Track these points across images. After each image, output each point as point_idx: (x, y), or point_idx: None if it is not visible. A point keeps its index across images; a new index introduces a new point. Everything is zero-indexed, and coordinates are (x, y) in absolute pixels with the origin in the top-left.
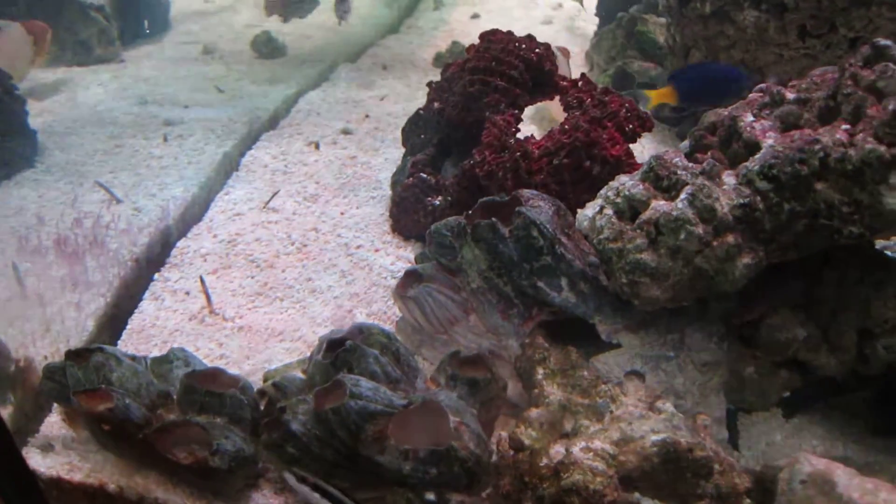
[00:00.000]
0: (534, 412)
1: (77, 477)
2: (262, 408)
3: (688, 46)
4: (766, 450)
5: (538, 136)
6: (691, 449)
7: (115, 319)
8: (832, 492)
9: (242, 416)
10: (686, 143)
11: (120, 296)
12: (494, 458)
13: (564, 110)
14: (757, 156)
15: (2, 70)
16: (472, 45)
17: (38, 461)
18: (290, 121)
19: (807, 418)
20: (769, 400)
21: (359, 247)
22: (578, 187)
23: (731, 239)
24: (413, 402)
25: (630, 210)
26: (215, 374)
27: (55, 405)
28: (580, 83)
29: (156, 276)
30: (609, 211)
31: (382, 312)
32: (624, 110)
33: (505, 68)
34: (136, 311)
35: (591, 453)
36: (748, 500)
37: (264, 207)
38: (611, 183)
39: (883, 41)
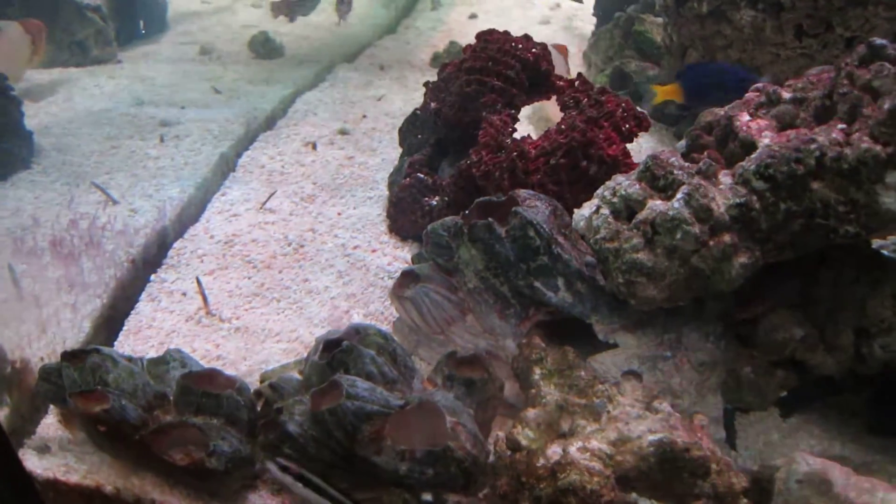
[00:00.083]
0: (531, 412)
1: (73, 478)
2: (258, 409)
3: (685, 46)
4: (763, 449)
5: (535, 136)
6: (688, 449)
7: (112, 321)
8: (829, 491)
9: (239, 418)
10: (683, 142)
11: (116, 297)
12: (491, 458)
13: (561, 110)
14: (753, 155)
15: None
16: (469, 45)
17: (34, 463)
18: (287, 121)
19: (804, 418)
20: (766, 399)
21: (356, 247)
22: (575, 187)
23: (727, 238)
24: (410, 403)
25: (626, 210)
26: (212, 375)
27: (51, 407)
28: (577, 83)
29: (152, 277)
30: (605, 211)
31: (379, 313)
32: (620, 110)
33: (501, 68)
34: (132, 312)
35: (588, 453)
36: (745, 500)
37: (261, 208)
38: (607, 183)
39: (879, 40)
